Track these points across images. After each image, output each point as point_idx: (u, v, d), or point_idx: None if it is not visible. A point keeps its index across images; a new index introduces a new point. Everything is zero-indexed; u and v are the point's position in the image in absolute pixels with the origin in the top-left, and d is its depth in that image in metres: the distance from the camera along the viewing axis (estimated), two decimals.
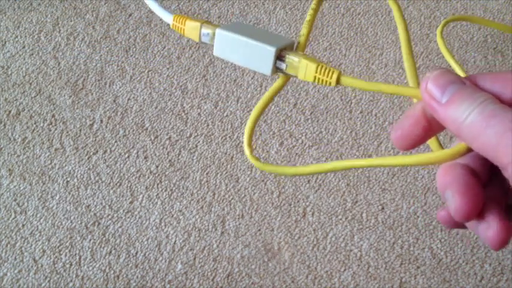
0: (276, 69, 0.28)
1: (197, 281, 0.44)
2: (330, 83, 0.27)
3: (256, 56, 0.28)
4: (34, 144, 0.52)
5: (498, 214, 0.24)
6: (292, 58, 0.28)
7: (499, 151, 0.21)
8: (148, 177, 0.50)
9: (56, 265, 0.45)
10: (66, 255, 0.46)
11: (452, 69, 0.55)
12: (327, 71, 0.27)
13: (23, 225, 0.48)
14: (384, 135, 0.51)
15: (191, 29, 0.32)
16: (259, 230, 0.47)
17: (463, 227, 0.26)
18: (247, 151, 0.31)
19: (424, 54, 0.57)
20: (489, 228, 0.24)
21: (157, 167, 0.50)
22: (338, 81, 0.27)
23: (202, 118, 0.53)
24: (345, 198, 0.48)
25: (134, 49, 0.59)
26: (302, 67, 0.27)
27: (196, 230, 0.47)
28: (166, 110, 0.54)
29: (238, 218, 0.47)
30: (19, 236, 0.47)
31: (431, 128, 0.25)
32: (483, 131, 0.22)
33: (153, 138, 0.52)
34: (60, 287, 0.44)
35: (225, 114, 0.53)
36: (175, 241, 0.46)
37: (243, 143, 0.52)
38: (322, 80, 0.27)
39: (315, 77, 0.27)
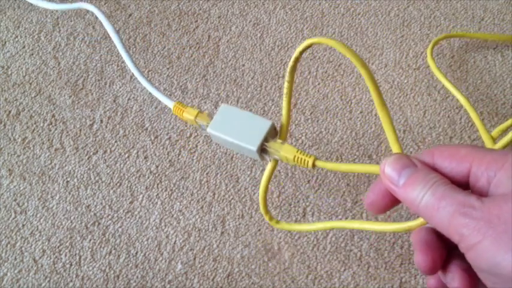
0: (263, 158, 0.33)
1: (197, 281, 0.44)
2: (308, 167, 0.32)
3: (245, 150, 0.33)
4: (34, 144, 0.52)
5: (461, 268, 0.28)
6: (272, 151, 0.32)
7: (450, 230, 0.25)
8: (148, 177, 0.50)
9: (56, 265, 0.45)
10: (66, 255, 0.46)
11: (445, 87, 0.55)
12: (302, 160, 0.32)
13: (23, 225, 0.48)
14: (383, 135, 0.51)
15: (188, 120, 0.36)
16: (259, 230, 0.46)
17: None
18: (266, 218, 0.38)
19: (424, 54, 0.57)
20: (453, 280, 0.28)
21: (157, 167, 0.50)
22: (314, 166, 0.32)
23: None
24: (345, 198, 0.48)
25: (134, 49, 0.59)
26: (282, 158, 0.32)
27: (196, 230, 0.47)
28: (166, 110, 0.54)
29: (238, 218, 0.47)
30: (19, 236, 0.47)
31: (395, 198, 0.29)
32: (436, 212, 0.25)
33: (153, 138, 0.52)
34: (60, 287, 0.44)
35: None
36: (175, 241, 0.46)
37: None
38: (302, 166, 0.32)
39: (295, 164, 0.32)
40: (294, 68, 0.31)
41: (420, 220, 0.29)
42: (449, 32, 0.59)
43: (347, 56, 0.29)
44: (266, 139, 0.32)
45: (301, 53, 0.30)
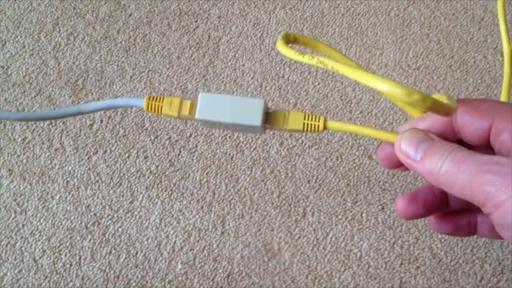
0: (265, 127, 0.30)
1: (197, 281, 0.44)
2: (319, 127, 0.29)
3: (245, 128, 0.29)
4: (34, 144, 0.52)
5: (409, 194, 0.28)
6: (277, 121, 0.29)
7: (474, 191, 0.24)
8: (148, 177, 0.50)
9: (56, 265, 0.45)
10: (66, 255, 0.46)
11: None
12: (313, 124, 0.29)
13: (23, 225, 0.48)
14: None
15: (169, 115, 0.30)
16: (259, 230, 0.46)
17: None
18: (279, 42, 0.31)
19: (424, 54, 0.57)
20: (397, 200, 0.29)
21: (157, 167, 0.50)
22: (325, 127, 0.29)
23: None
24: (345, 198, 0.48)
25: (134, 49, 0.59)
26: (291, 124, 0.29)
27: (196, 230, 0.47)
28: None
29: (238, 218, 0.47)
30: (19, 236, 0.47)
31: None
32: (456, 176, 0.24)
33: (153, 138, 0.52)
34: (60, 287, 0.44)
35: None
36: (175, 241, 0.46)
37: (243, 143, 0.52)
38: (311, 126, 0.29)
39: (304, 129, 0.29)
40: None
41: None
42: (449, 31, 0.59)
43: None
44: (266, 109, 0.29)
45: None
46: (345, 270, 0.44)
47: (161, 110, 0.30)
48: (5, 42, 0.60)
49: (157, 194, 0.49)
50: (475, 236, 0.46)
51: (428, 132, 0.27)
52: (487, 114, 0.26)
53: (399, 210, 0.28)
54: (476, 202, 0.24)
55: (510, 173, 0.22)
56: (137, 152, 0.51)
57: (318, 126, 0.28)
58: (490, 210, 0.23)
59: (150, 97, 0.30)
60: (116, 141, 0.52)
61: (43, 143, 0.52)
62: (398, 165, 0.29)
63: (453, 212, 0.30)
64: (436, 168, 0.25)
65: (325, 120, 0.28)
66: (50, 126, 0.54)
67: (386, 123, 0.52)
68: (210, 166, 0.50)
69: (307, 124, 0.29)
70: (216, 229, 0.47)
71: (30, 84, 0.57)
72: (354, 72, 0.26)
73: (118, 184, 0.49)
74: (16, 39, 0.61)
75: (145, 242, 0.46)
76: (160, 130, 0.53)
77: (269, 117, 0.29)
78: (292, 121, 0.29)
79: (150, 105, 0.30)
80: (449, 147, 0.25)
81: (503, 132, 0.25)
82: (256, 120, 0.29)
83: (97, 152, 0.52)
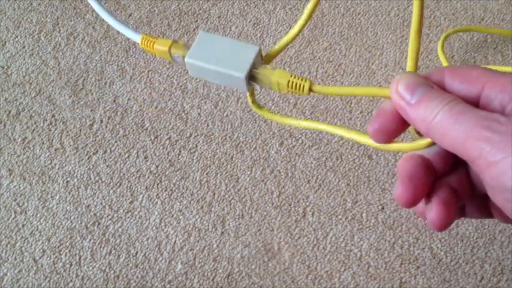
0: (252, 86, 0.29)
1: (197, 281, 0.44)
2: (304, 94, 0.28)
3: (229, 80, 0.29)
4: (34, 144, 0.52)
5: (443, 199, 0.26)
6: (262, 77, 0.29)
7: (468, 146, 0.22)
8: (148, 177, 0.50)
9: (56, 265, 0.45)
10: (66, 255, 0.46)
11: None
12: (297, 85, 0.28)
13: (23, 225, 0.48)
14: None
15: (160, 53, 0.31)
16: (259, 230, 0.46)
17: (423, 216, 0.27)
18: (249, 100, 0.32)
19: (424, 54, 0.57)
20: (430, 210, 0.25)
21: (157, 167, 0.50)
22: (311, 90, 0.28)
23: (202, 118, 0.53)
24: (345, 198, 0.48)
25: (134, 49, 0.59)
26: (274, 84, 0.29)
27: (196, 230, 0.47)
28: (166, 110, 0.54)
29: (238, 218, 0.47)
30: (19, 236, 0.47)
31: (404, 122, 0.26)
32: (451, 127, 0.23)
33: (153, 138, 0.52)
34: (60, 287, 0.44)
35: (225, 114, 0.53)
36: (175, 241, 0.46)
37: (243, 143, 0.52)
38: (297, 92, 0.28)
39: (288, 91, 0.28)
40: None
41: (413, 143, 0.27)
42: (448, 32, 0.59)
43: None
44: (254, 65, 0.29)
45: None
46: (345, 270, 0.44)
47: (153, 45, 0.31)
48: (5, 42, 0.60)
49: (157, 194, 0.49)
50: (474, 235, 0.46)
51: (427, 78, 0.26)
52: (477, 81, 0.25)
53: (399, 198, 0.26)
54: (466, 157, 0.23)
55: (509, 132, 0.22)
56: (137, 152, 0.51)
57: (303, 86, 0.28)
58: (481, 168, 0.22)
59: (146, 34, 0.32)
60: (116, 141, 0.52)
61: (43, 143, 0.52)
62: (390, 138, 0.27)
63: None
64: (431, 116, 0.24)
65: (311, 83, 0.28)
66: (50, 126, 0.54)
67: None
68: (210, 166, 0.50)
69: (292, 82, 0.28)
70: (216, 229, 0.47)
71: (30, 84, 0.57)
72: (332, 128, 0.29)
73: (118, 184, 0.50)
74: (16, 39, 0.61)
75: (145, 242, 0.46)
76: (160, 130, 0.53)
77: (256, 73, 0.29)
78: (277, 76, 0.28)
79: (144, 40, 0.32)
80: (449, 96, 0.24)
81: (494, 101, 0.24)
82: (242, 71, 0.28)
83: (97, 152, 0.52)
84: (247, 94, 0.31)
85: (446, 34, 0.55)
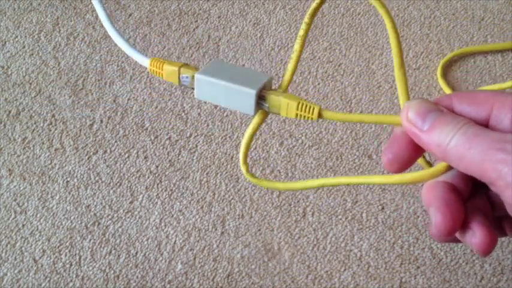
0: (259, 109, 0.29)
1: (197, 281, 0.44)
2: (312, 118, 0.28)
3: (238, 99, 0.28)
4: (34, 144, 0.52)
5: (482, 222, 0.25)
6: (273, 98, 0.28)
7: (485, 168, 0.23)
8: (148, 177, 0.50)
9: (56, 265, 0.45)
10: (66, 255, 0.46)
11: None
12: (307, 107, 0.28)
13: (23, 225, 0.48)
14: (383, 135, 0.51)
15: (169, 73, 0.31)
16: (259, 230, 0.46)
17: (455, 240, 0.27)
18: (243, 169, 0.31)
19: (424, 54, 0.57)
20: (474, 236, 0.25)
21: (157, 167, 0.50)
22: (320, 116, 0.28)
23: (202, 118, 0.53)
24: (345, 198, 0.48)
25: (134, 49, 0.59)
26: (283, 106, 0.28)
27: (196, 230, 0.47)
28: (166, 110, 0.54)
29: (238, 218, 0.47)
30: (19, 236, 0.47)
31: (418, 149, 0.27)
32: (467, 151, 0.23)
33: (153, 138, 0.52)
34: (60, 287, 0.44)
35: (225, 114, 0.53)
36: (175, 241, 0.46)
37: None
38: (304, 116, 0.28)
39: (296, 114, 0.28)
40: (317, 10, 0.28)
41: (432, 170, 0.26)
42: (449, 31, 0.59)
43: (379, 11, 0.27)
44: (265, 87, 0.29)
45: None
46: (345, 270, 0.44)
47: (162, 76, 0.32)
48: (5, 42, 0.60)
49: (157, 194, 0.49)
50: None
51: (436, 103, 0.26)
52: (486, 102, 0.25)
53: (441, 226, 0.26)
54: (486, 179, 0.23)
55: None
56: (137, 152, 0.51)
57: (313, 109, 0.28)
58: (501, 189, 0.23)
59: (153, 60, 0.32)
60: (115, 141, 0.52)
61: (43, 143, 0.52)
62: (405, 166, 0.27)
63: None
64: (446, 141, 0.24)
65: (320, 111, 0.27)
66: (50, 126, 0.54)
67: None
68: (210, 166, 0.50)
69: (303, 104, 0.28)
70: (216, 229, 0.47)
71: (30, 84, 0.57)
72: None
73: (118, 184, 0.50)
74: (16, 39, 0.61)
75: (145, 242, 0.46)
76: (160, 130, 0.53)
77: (266, 94, 0.29)
78: (288, 97, 0.28)
79: (154, 62, 0.33)
80: (461, 120, 0.24)
81: (503, 120, 0.24)
82: (254, 87, 0.28)
83: (97, 152, 0.52)
84: (241, 163, 0.31)
85: (444, 61, 0.55)
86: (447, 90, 0.53)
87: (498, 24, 0.59)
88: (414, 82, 0.55)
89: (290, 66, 0.29)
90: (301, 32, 0.29)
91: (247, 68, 0.28)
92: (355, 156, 0.50)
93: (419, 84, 0.54)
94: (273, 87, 0.30)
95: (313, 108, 0.27)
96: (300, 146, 0.51)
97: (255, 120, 0.30)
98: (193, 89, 0.30)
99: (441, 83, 0.53)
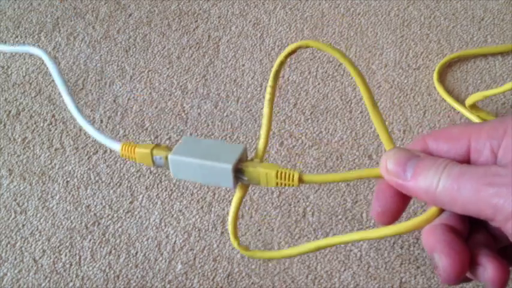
0: (238, 181, 0.28)
1: (197, 281, 0.44)
2: (293, 185, 0.27)
3: (215, 175, 0.28)
4: (34, 144, 0.52)
5: (490, 255, 0.25)
6: (250, 170, 0.28)
7: (480, 207, 0.22)
8: (148, 177, 0.50)
9: (56, 265, 0.45)
10: (66, 255, 0.46)
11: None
12: (287, 175, 0.27)
13: (23, 225, 0.48)
14: None
15: (142, 156, 0.30)
16: (259, 230, 0.46)
17: (466, 279, 0.26)
18: (234, 243, 0.31)
19: (424, 54, 0.57)
20: (485, 271, 0.24)
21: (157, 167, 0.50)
22: (301, 181, 0.27)
23: (202, 118, 0.53)
24: (345, 198, 0.48)
25: (134, 49, 0.59)
26: (262, 176, 0.28)
27: (196, 230, 0.47)
28: (166, 110, 0.54)
29: (238, 218, 0.47)
30: (19, 236, 0.47)
31: (405, 197, 0.26)
32: (457, 192, 0.23)
33: (153, 138, 0.52)
34: (60, 287, 0.44)
35: (225, 114, 0.53)
36: (175, 241, 0.46)
37: (242, 143, 0.52)
38: (285, 184, 0.27)
39: (277, 183, 0.27)
40: (278, 73, 0.28)
41: (427, 216, 0.26)
42: (449, 31, 0.59)
43: (334, 56, 0.27)
44: (241, 159, 0.28)
45: (287, 57, 0.27)
46: (345, 270, 0.44)
47: (136, 159, 0.31)
48: (5, 42, 0.60)
49: (157, 194, 0.49)
50: None
51: (412, 149, 0.25)
52: (461, 136, 0.25)
53: (451, 271, 0.25)
54: (484, 217, 0.23)
55: None
56: None
57: (293, 175, 0.27)
58: (501, 224, 0.22)
59: (124, 145, 0.31)
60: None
61: (43, 143, 0.52)
62: (398, 213, 0.27)
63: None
64: (433, 185, 0.23)
65: (300, 176, 0.27)
66: (50, 126, 0.54)
67: (387, 122, 0.52)
68: None
69: (281, 172, 0.27)
70: (216, 229, 0.47)
71: (30, 84, 0.57)
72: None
73: (118, 184, 0.50)
74: (16, 39, 0.61)
75: (145, 242, 0.46)
76: (160, 130, 0.53)
77: (243, 166, 0.28)
78: (266, 167, 0.28)
79: (125, 146, 0.31)
80: (442, 161, 0.24)
81: (483, 151, 0.24)
82: (229, 162, 0.28)
83: (97, 152, 0.52)
84: (232, 238, 0.30)
85: (440, 65, 0.55)
86: (444, 96, 0.53)
87: (498, 24, 0.59)
88: (414, 82, 0.55)
89: (263, 132, 0.29)
90: (267, 97, 0.28)
91: (219, 140, 0.28)
92: (355, 156, 0.50)
93: (419, 84, 0.54)
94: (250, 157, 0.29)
95: (293, 175, 0.27)
96: (300, 146, 0.51)
97: (237, 195, 0.30)
98: (169, 169, 0.30)
99: (438, 87, 0.53)
